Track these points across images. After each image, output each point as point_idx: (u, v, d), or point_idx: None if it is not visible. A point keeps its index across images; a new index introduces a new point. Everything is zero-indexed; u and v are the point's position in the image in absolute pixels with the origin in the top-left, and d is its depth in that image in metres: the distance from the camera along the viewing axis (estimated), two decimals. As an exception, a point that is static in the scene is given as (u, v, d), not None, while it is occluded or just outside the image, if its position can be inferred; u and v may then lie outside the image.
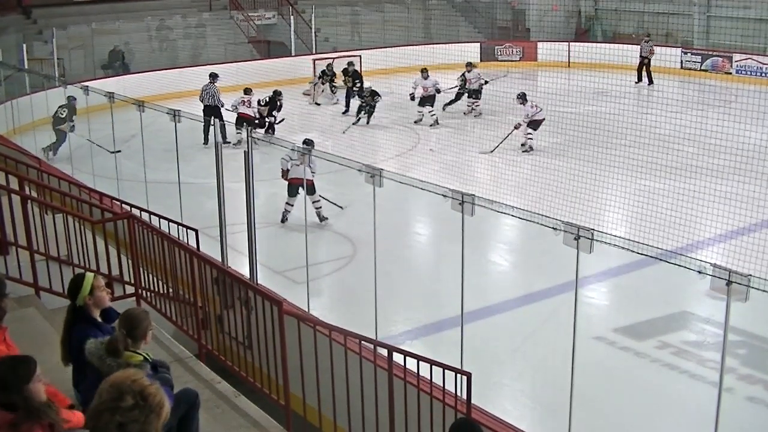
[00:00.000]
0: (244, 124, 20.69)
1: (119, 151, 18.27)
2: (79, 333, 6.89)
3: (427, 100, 26.68)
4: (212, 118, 20.88)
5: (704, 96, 29.28)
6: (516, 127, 22.29)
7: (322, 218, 16.83)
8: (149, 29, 35.24)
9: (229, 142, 21.65)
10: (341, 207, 17.60)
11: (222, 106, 23.91)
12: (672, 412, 10.17)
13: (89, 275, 7.35)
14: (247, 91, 24.46)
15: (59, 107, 22.23)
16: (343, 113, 28.34)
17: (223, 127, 18.30)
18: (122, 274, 10.95)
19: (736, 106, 22.11)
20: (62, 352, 7.13)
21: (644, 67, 33.39)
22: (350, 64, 29.66)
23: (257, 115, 24.14)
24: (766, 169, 17.56)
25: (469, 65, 28.11)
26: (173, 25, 35.92)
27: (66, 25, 32.18)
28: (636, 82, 33.24)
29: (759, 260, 12.04)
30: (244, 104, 23.97)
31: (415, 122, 26.62)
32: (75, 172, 17.49)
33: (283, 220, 17.08)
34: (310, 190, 16.54)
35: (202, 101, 24.06)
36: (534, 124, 22.60)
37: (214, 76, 24.21)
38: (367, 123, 26.47)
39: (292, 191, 16.95)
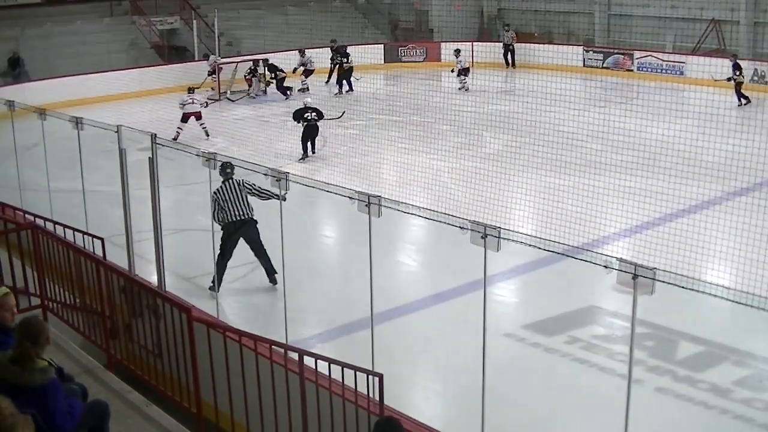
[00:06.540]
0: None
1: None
2: None
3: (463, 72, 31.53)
4: None
5: (607, 93, 29.80)
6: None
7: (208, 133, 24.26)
8: (50, 35, 34.57)
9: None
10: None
11: None
12: (583, 405, 10.33)
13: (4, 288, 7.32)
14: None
15: None
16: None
17: None
18: (27, 285, 10.77)
19: (638, 103, 22.50)
20: None
21: (510, 54, 36.42)
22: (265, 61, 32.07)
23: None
24: (669, 164, 17.89)
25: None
26: (74, 31, 35.27)
27: (-38, 33, 31.48)
28: (506, 68, 36.42)
29: (664, 253, 12.29)
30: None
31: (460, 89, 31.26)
32: (-25, 183, 17.14)
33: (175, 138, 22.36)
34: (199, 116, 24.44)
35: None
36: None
37: None
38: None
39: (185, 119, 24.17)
